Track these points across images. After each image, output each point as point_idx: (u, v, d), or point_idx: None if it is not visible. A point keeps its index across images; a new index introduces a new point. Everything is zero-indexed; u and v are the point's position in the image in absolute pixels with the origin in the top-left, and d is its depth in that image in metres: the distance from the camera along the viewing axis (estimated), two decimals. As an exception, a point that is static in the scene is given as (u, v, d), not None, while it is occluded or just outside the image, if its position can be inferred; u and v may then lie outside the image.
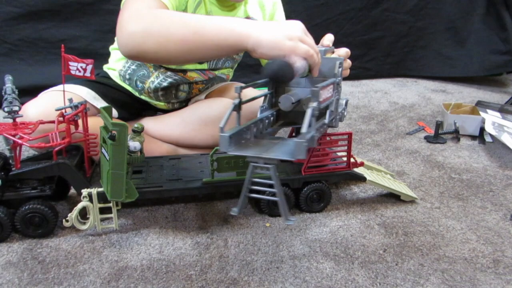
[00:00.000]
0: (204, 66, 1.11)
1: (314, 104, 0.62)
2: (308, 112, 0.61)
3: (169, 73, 1.07)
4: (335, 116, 0.80)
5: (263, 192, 0.63)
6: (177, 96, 1.12)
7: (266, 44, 0.70)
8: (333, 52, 0.84)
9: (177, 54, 0.75)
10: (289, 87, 0.77)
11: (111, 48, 1.16)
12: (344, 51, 0.86)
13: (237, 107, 0.66)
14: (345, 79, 0.88)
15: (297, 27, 0.72)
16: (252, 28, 0.72)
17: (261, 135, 0.72)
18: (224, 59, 1.13)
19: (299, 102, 0.72)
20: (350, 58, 0.89)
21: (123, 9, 0.80)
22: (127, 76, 1.09)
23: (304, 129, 0.58)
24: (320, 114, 0.75)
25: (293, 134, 0.92)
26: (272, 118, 0.77)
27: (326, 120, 0.74)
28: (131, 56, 0.80)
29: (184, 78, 1.09)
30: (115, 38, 1.16)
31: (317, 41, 0.83)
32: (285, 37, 0.69)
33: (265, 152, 0.61)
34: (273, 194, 0.62)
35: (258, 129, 0.71)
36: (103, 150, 0.75)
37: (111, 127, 0.69)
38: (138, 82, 1.09)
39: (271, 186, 0.62)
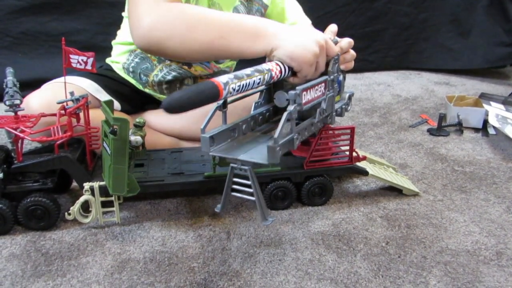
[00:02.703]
0: None
1: (291, 108, 0.61)
2: (283, 117, 0.60)
3: (173, 66, 1.07)
4: (331, 112, 0.80)
5: (244, 191, 0.63)
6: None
7: (285, 54, 0.70)
8: (336, 44, 0.83)
9: (198, 55, 0.76)
10: (287, 82, 0.76)
11: (113, 42, 1.16)
12: (346, 42, 0.83)
13: (221, 107, 0.65)
14: (347, 71, 0.87)
15: (319, 40, 0.72)
16: (280, 33, 0.73)
17: (252, 132, 0.71)
18: None
19: None
20: (352, 50, 0.87)
21: None
22: (131, 69, 1.09)
23: (276, 134, 0.58)
24: (309, 112, 0.74)
25: None
26: (267, 114, 0.76)
27: (316, 119, 0.73)
28: (147, 49, 0.79)
29: (189, 72, 1.08)
30: (118, 33, 1.16)
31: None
32: (307, 57, 0.70)
33: (244, 154, 0.61)
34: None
35: (248, 126, 0.70)
36: (104, 144, 0.75)
37: (112, 121, 0.69)
38: (142, 75, 1.08)
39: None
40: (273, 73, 0.66)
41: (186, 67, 1.08)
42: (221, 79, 0.55)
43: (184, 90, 0.51)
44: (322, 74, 0.75)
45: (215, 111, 0.64)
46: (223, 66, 1.16)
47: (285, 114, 0.60)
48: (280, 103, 0.71)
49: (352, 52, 0.85)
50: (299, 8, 1.18)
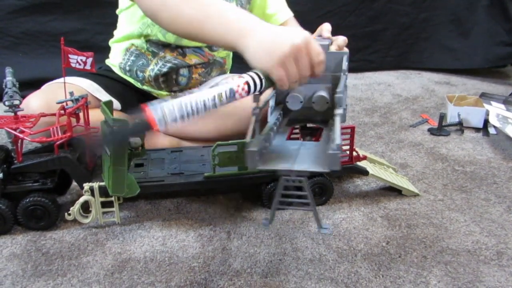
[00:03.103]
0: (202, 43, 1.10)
1: (341, 111, 0.59)
2: (338, 121, 0.57)
3: (168, 57, 1.07)
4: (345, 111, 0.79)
5: (292, 203, 0.61)
6: (178, 82, 1.11)
7: (252, 54, 0.64)
8: (331, 43, 0.83)
9: (184, 31, 0.77)
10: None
11: (111, 42, 1.16)
12: (342, 40, 0.84)
13: (257, 114, 0.60)
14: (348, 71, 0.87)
15: (293, 41, 0.61)
16: (251, 32, 0.66)
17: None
18: None
19: (309, 99, 0.70)
20: (353, 50, 0.87)
21: None
22: (127, 68, 1.09)
23: (337, 139, 0.54)
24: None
25: (294, 130, 0.91)
26: (280, 118, 0.75)
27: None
28: (148, 17, 0.88)
29: (184, 61, 1.09)
30: (114, 33, 1.16)
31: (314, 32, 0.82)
32: (274, 57, 0.60)
33: (294, 164, 0.58)
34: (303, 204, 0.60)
35: (274, 134, 0.68)
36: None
37: (111, 122, 0.69)
38: (139, 72, 1.09)
39: (300, 196, 0.60)
40: (235, 87, 0.58)
41: (180, 57, 1.08)
42: (154, 109, 0.52)
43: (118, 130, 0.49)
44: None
45: (256, 120, 0.60)
46: (218, 55, 1.16)
47: (338, 118, 0.58)
48: (294, 106, 0.69)
49: (346, 50, 0.86)
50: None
